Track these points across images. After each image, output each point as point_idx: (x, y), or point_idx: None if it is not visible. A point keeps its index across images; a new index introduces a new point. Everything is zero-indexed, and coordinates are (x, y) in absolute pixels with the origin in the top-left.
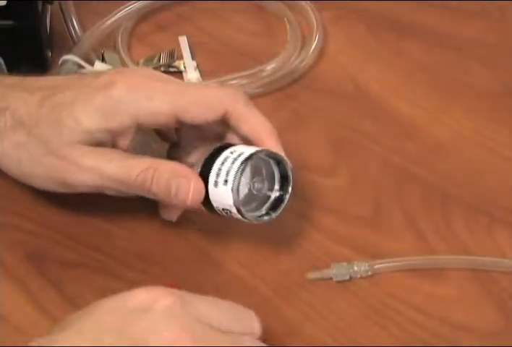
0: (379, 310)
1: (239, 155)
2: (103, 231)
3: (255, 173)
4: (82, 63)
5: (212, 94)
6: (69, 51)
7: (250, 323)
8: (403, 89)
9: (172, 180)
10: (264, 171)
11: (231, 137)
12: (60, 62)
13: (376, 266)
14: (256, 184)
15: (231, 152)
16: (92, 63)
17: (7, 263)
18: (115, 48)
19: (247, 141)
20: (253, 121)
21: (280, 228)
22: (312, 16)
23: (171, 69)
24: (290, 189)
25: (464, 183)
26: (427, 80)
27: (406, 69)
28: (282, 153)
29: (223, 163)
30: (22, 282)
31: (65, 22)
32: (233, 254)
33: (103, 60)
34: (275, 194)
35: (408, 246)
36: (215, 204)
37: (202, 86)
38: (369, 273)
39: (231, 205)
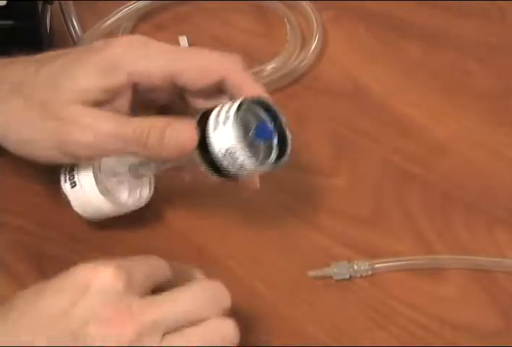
0: (379, 310)
1: (233, 103)
2: (103, 231)
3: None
4: None
5: (211, 58)
6: None
7: (192, 274)
8: (403, 89)
9: (166, 129)
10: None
11: None
12: None
13: (376, 265)
14: (254, 137)
15: (222, 106)
16: None
17: (7, 263)
18: None
19: None
20: (250, 89)
21: (280, 228)
22: (312, 16)
23: None
24: (288, 133)
25: (464, 183)
26: (426, 80)
27: (406, 69)
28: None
29: (219, 111)
30: (22, 282)
31: (65, 22)
32: (232, 254)
33: None
34: (275, 143)
35: (408, 246)
36: (216, 150)
37: (201, 50)
38: (370, 273)
39: (235, 140)
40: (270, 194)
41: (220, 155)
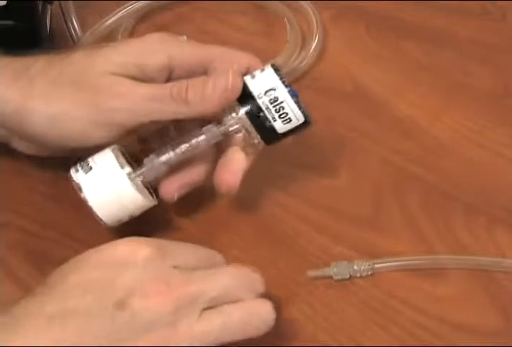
0: (379, 310)
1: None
2: (103, 231)
3: None
4: None
5: (233, 50)
6: None
7: (218, 259)
8: (403, 89)
9: (207, 79)
10: None
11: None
12: None
13: (376, 265)
14: None
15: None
16: None
17: (7, 263)
18: None
19: None
20: None
21: (280, 228)
22: (312, 16)
23: None
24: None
25: (464, 183)
26: (426, 80)
27: (406, 69)
28: None
29: (251, 73)
30: (22, 282)
31: (65, 22)
32: (233, 254)
33: None
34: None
35: (408, 246)
36: (256, 93)
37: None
38: (370, 273)
39: (277, 79)
40: (270, 194)
41: (259, 100)
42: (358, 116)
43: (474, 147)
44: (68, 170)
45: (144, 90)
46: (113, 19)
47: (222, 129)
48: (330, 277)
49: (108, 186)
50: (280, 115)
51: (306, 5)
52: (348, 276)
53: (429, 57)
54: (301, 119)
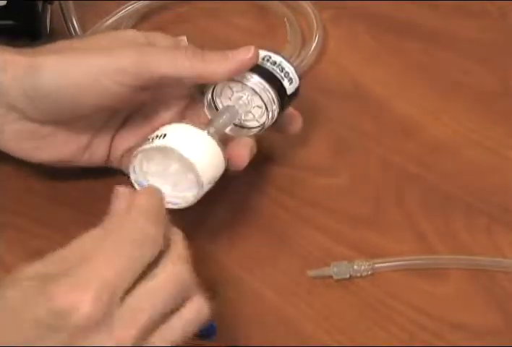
0: (379, 310)
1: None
2: None
3: None
4: None
5: None
6: None
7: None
8: (403, 89)
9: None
10: None
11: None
12: None
13: (376, 265)
14: None
15: None
16: None
17: (7, 263)
18: None
19: None
20: None
21: (281, 228)
22: (312, 16)
23: None
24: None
25: (464, 183)
26: (427, 80)
27: (406, 69)
28: None
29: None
30: None
31: (65, 22)
32: (232, 254)
33: None
34: None
35: (408, 246)
36: (258, 62)
37: None
38: (370, 272)
39: (265, 51)
40: (270, 194)
41: (264, 65)
42: (358, 116)
43: (474, 146)
44: (67, 170)
45: (161, 49)
46: (113, 19)
47: (241, 106)
48: (330, 277)
49: (193, 143)
50: (285, 74)
51: (306, 5)
52: (348, 276)
53: (429, 57)
54: (297, 81)
